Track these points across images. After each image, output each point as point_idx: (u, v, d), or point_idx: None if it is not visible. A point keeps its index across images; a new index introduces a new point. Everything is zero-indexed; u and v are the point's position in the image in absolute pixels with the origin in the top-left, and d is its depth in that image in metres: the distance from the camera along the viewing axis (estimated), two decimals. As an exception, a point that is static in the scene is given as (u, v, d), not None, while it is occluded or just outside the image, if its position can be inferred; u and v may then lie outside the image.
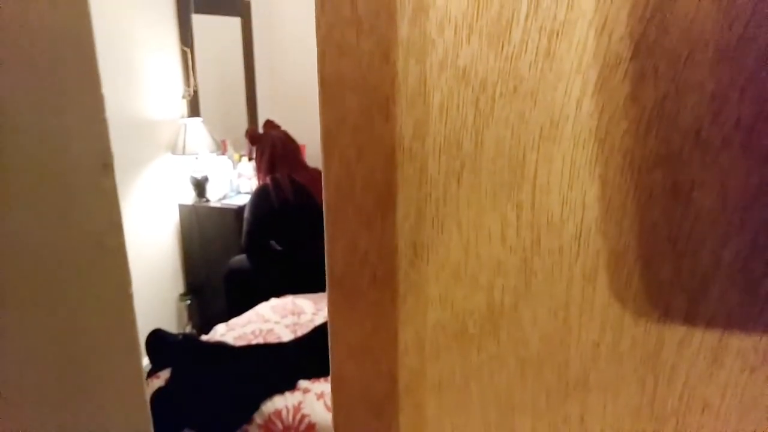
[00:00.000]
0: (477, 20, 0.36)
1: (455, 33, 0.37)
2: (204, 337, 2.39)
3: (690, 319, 0.38)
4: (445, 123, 0.39)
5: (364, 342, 0.45)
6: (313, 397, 1.95)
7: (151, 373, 2.17)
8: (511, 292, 0.41)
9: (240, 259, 2.89)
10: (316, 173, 2.93)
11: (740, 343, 0.36)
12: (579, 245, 0.39)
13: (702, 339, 0.38)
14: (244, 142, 3.00)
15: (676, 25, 0.32)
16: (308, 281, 2.77)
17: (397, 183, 0.41)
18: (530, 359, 0.42)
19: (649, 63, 0.33)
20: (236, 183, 3.26)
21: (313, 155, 3.37)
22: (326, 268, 0.44)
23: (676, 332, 0.38)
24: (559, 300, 0.40)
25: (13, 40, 0.32)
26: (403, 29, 0.38)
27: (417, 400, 0.46)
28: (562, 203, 0.38)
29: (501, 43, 0.36)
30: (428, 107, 0.39)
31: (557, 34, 0.34)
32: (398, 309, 0.44)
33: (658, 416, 0.41)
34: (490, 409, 0.44)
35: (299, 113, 3.45)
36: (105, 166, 0.36)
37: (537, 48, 0.35)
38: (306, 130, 3.33)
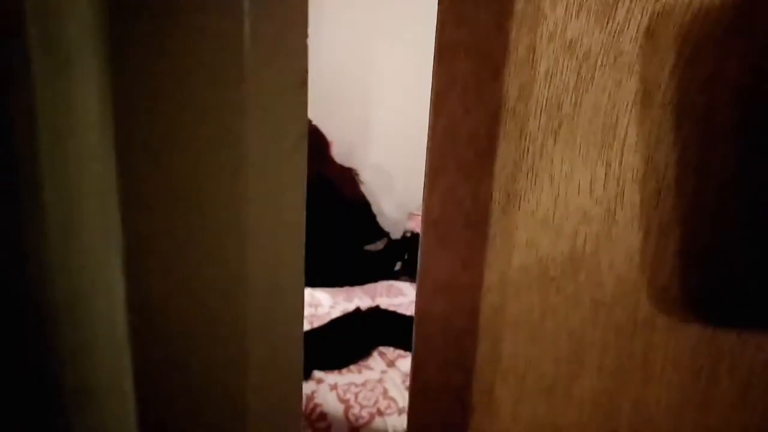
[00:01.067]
0: (586, -1, 0.43)
1: (566, 9, 0.44)
2: None
3: (750, 268, 0.44)
4: (549, 87, 0.46)
5: (451, 280, 0.52)
6: (326, 388, 2.00)
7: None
8: (593, 239, 0.48)
9: None
10: (343, 170, 3.01)
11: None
12: (658, 200, 0.45)
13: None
14: None
15: (763, 12, 0.39)
16: (327, 276, 2.84)
17: (499, 138, 0.48)
18: (604, 300, 0.49)
19: (736, 42, 0.40)
20: (264, 174, 3.36)
21: (341, 152, 3.44)
22: (423, 211, 0.51)
23: (737, 280, 0.45)
24: (636, 248, 0.47)
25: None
26: (519, 3, 0.45)
27: (494, 335, 0.52)
28: (647, 162, 0.45)
29: (606, 20, 0.43)
30: (534, 72, 0.46)
31: (658, 15, 0.41)
32: (487, 251, 0.51)
33: (715, 354, 0.47)
34: (562, 344, 0.51)
35: (329, 110, 3.54)
36: (303, 82, 0.40)
37: (638, 25, 0.42)
38: (335, 127, 3.41)
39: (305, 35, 0.41)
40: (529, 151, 0.48)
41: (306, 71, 0.40)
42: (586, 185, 0.47)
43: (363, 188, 3.05)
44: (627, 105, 0.44)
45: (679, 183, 0.44)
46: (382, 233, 2.93)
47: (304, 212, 0.45)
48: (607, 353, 0.50)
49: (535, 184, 0.48)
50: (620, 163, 0.45)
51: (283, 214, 0.40)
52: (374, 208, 3.08)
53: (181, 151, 0.35)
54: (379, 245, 2.87)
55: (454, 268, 0.52)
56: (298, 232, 0.45)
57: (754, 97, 0.41)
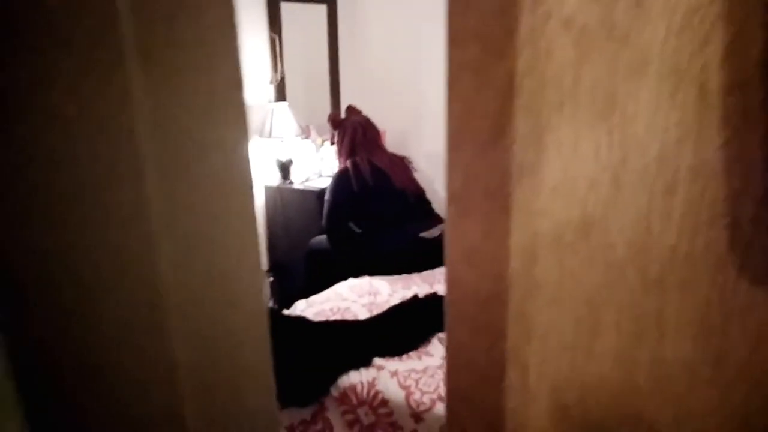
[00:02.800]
0: (580, -21, 0.47)
1: (562, -11, 0.48)
2: (285, 312, 2.55)
3: (756, 224, 0.47)
4: (550, 64, 0.50)
5: (476, 248, 0.58)
6: (386, 375, 2.03)
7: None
8: (601, 205, 0.52)
9: (320, 239, 3.07)
10: (394, 158, 3.06)
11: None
12: (661, 163, 0.49)
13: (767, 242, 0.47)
14: (328, 127, 3.18)
15: (746, -24, 0.42)
16: (385, 265, 2.89)
17: (509, 115, 0.53)
18: (616, 262, 0.53)
19: (725, 7, 0.44)
20: (319, 166, 3.46)
21: (393, 141, 3.51)
22: (446, 185, 0.57)
23: (744, 235, 0.48)
24: (643, 211, 0.51)
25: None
26: (520, -12, 0.50)
27: (518, 298, 0.58)
28: (647, 127, 0.49)
29: (600, -4, 0.47)
30: (536, 51, 0.51)
31: (647, -13, 0.45)
32: (506, 220, 0.56)
33: (727, 312, 0.50)
34: (580, 305, 0.56)
35: (381, 100, 3.61)
36: (237, 83, 0.41)
37: (630, -1, 0.46)
38: (386, 116, 3.48)
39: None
40: (537, 125, 0.53)
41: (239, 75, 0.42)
42: (591, 153, 0.51)
43: (417, 176, 3.11)
44: (624, 75, 0.48)
45: (679, 145, 0.48)
46: (438, 220, 2.97)
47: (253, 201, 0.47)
48: (623, 312, 0.54)
49: (544, 155, 0.53)
50: (622, 130, 0.49)
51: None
52: (429, 195, 3.12)
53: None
54: (435, 232, 2.90)
55: (477, 237, 0.57)
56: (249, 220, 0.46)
57: (743, 59, 0.44)
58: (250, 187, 0.47)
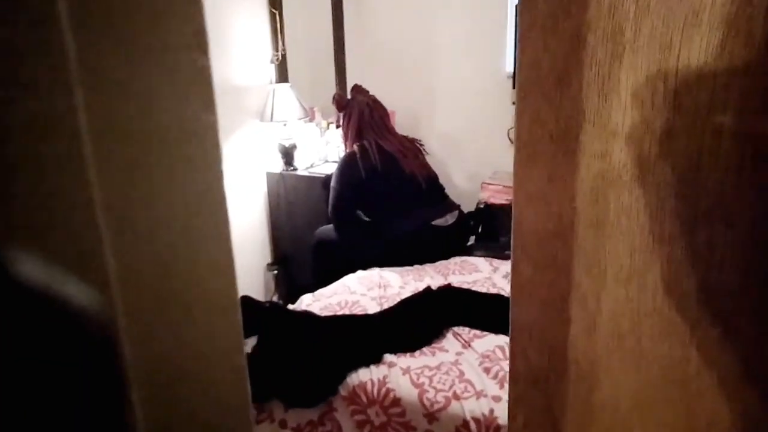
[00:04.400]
0: (640, -56, 0.60)
1: (624, -47, 0.61)
2: (291, 307, 2.57)
3: (794, 157, 0.61)
4: (612, 17, 0.63)
5: (540, 190, 0.71)
6: (398, 372, 2.04)
7: (239, 341, 2.46)
8: (656, 144, 0.65)
9: (327, 229, 3.13)
10: (405, 140, 3.11)
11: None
12: (711, 105, 0.62)
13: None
14: (333, 109, 3.28)
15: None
16: (395, 255, 2.92)
17: (573, 65, 0.66)
18: (668, 197, 0.66)
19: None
20: (324, 151, 3.57)
21: (403, 123, 3.61)
22: (515, 133, 0.70)
23: (783, 168, 0.61)
24: (694, 149, 0.64)
25: None
26: (585, -48, 0.63)
27: (578, 235, 0.71)
28: (699, 74, 0.62)
29: (658, -42, 0.60)
30: (600, 7, 0.64)
31: (699, -50, 0.58)
32: (568, 163, 0.69)
33: (768, 237, 0.64)
34: (636, 238, 0.69)
35: (390, 79, 3.71)
36: (200, 45, 0.38)
37: (684, -40, 0.59)
38: (396, 96, 3.58)
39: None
40: (599, 74, 0.66)
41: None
42: (648, 99, 0.64)
43: (429, 159, 3.20)
44: (679, 26, 0.61)
45: (728, 90, 0.61)
46: (452, 206, 3.05)
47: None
48: (675, 244, 0.67)
49: (606, 102, 0.66)
50: (676, 76, 0.63)
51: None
52: (443, 180, 3.19)
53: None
54: (450, 219, 2.96)
55: (543, 180, 0.70)
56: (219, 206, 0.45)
57: (783, 12, 0.57)
58: (219, 163, 0.45)
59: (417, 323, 2.36)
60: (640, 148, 0.66)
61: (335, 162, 3.37)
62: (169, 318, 0.43)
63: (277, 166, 3.44)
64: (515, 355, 0.75)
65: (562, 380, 0.74)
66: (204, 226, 0.44)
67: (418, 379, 2.02)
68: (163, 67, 0.40)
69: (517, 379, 0.76)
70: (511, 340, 0.76)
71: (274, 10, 3.36)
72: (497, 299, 2.46)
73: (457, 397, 1.92)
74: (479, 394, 1.93)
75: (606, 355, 0.73)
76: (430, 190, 3.05)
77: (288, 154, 3.37)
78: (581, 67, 0.66)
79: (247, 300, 2.57)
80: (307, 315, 2.46)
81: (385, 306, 2.48)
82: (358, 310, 2.49)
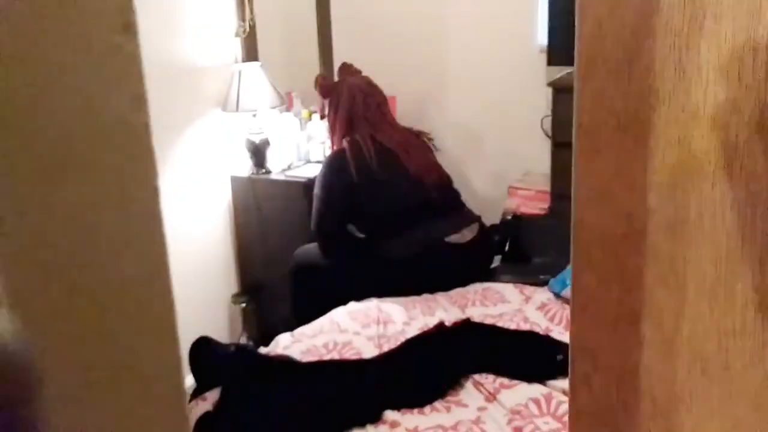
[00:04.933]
0: None
1: None
2: (263, 350, 2.60)
3: None
4: (691, -21, 0.70)
5: (606, 185, 0.77)
6: None
7: (196, 394, 2.39)
8: (745, 128, 0.72)
9: (309, 249, 3.15)
10: (408, 134, 3.16)
11: None
12: (808, 81, 0.69)
13: None
14: (317, 94, 3.30)
15: None
16: (398, 282, 2.95)
17: (645, 34, 0.73)
18: (761, 191, 0.73)
19: None
20: (305, 148, 3.60)
21: (406, 111, 3.65)
22: (575, 117, 0.76)
23: None
24: (790, 133, 0.71)
25: None
26: None
27: (651, 238, 0.77)
28: (793, 45, 0.69)
29: None
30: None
31: None
32: (639, 152, 0.75)
33: None
34: (722, 241, 0.75)
35: (388, 56, 3.75)
36: (125, 26, 0.39)
37: None
38: (397, 77, 3.61)
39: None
40: (675, 45, 0.72)
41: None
42: (735, 73, 0.71)
43: (440, 157, 3.24)
44: (769, -11, 0.68)
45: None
46: (470, 218, 3.08)
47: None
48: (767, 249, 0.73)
49: (683, 78, 0.73)
50: (766, 47, 0.69)
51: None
52: (458, 184, 3.23)
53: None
54: (467, 234, 2.96)
55: (609, 173, 0.76)
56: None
57: None
58: (152, 177, 0.45)
59: (427, 370, 2.37)
60: (725, 132, 0.72)
61: (320, 162, 3.39)
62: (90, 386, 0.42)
63: (245, 168, 3.48)
64: (576, 387, 0.81)
65: (633, 416, 0.80)
66: (132, 264, 0.43)
67: (429, 442, 2.01)
68: (75, 52, 0.39)
69: (578, 416, 0.82)
70: (570, 368, 0.82)
71: (239, -31, 3.40)
72: (530, 338, 2.49)
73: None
74: (508, 462, 1.95)
75: (687, 385, 0.79)
76: (442, 198, 3.08)
77: (259, 153, 3.40)
78: (654, 37, 0.72)
79: (206, 343, 2.59)
80: (285, 360, 2.47)
81: (386, 348, 2.50)
82: (350, 354, 2.51)
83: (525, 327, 2.57)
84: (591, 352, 0.80)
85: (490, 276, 3.08)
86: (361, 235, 3.16)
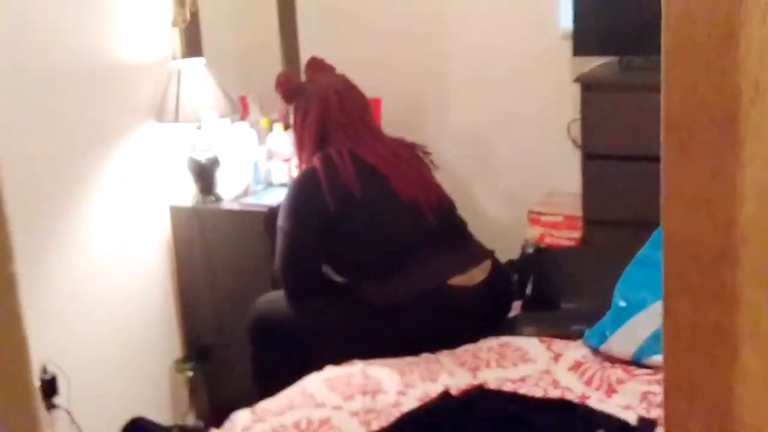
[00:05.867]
0: None
1: None
2: None
3: None
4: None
5: (700, 192, 0.87)
6: None
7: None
8: None
9: (273, 298, 3.18)
10: (399, 148, 3.19)
11: None
12: None
13: None
14: (279, 99, 3.31)
15: None
16: (388, 338, 3.02)
17: (740, 19, 0.83)
18: None
19: None
20: (265, 168, 3.62)
21: (396, 117, 3.66)
22: (662, 115, 0.87)
23: None
24: None
25: None
26: None
27: (755, 254, 0.87)
28: None
29: None
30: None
31: None
32: (738, 153, 0.85)
33: None
34: (838, 253, 0.85)
35: (370, 48, 3.82)
36: None
37: None
38: (383, 74, 3.64)
39: None
40: (778, 29, 0.83)
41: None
42: None
43: (441, 176, 3.27)
44: None
45: None
46: (480, 253, 3.14)
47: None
48: None
49: (788, 66, 0.83)
50: None
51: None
52: (464, 210, 3.28)
53: None
54: (477, 275, 3.04)
55: (703, 176, 0.86)
56: None
57: None
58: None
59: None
60: (839, 128, 0.83)
61: (284, 186, 3.41)
62: None
63: (188, 195, 3.50)
64: (670, 423, 0.89)
65: (739, 465, 0.89)
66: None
67: None
68: None
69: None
70: (664, 402, 0.91)
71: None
72: (561, 408, 2.53)
73: None
74: None
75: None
76: (443, 228, 3.13)
77: (205, 176, 3.43)
78: (752, 20, 0.82)
79: (140, 425, 2.61)
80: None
81: (375, 426, 2.52)
82: (330, 436, 2.51)
83: (555, 394, 2.59)
84: (687, 390, 0.89)
85: (507, 328, 3.10)
86: (340, 279, 3.16)
